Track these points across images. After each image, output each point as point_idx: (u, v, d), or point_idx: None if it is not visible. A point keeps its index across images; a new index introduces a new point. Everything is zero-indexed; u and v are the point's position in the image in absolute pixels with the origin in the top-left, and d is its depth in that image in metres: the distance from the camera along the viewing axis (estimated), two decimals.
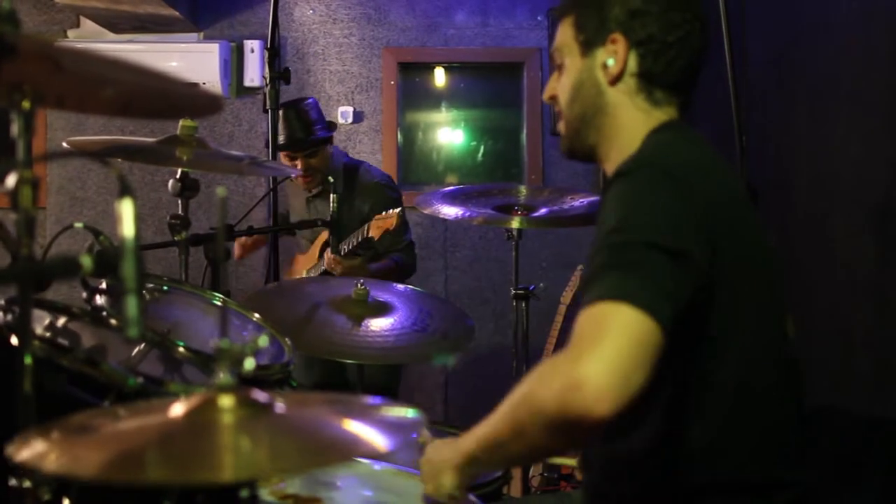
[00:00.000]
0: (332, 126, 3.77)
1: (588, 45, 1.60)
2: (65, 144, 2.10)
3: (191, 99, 1.23)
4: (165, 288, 2.11)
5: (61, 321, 1.72)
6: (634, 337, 1.22)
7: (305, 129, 3.60)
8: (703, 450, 1.42)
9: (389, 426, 1.02)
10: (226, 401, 0.94)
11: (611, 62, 1.57)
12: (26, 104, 1.07)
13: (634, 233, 1.33)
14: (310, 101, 3.76)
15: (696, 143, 1.57)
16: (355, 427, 0.99)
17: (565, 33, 1.64)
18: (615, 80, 1.58)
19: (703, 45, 1.59)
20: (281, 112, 3.41)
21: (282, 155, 3.56)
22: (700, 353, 1.40)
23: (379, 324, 2.24)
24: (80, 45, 4.53)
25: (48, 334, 1.63)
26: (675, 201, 1.38)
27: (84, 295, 1.82)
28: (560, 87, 1.66)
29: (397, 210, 3.18)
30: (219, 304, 2.06)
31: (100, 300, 1.81)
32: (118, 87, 1.17)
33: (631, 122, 1.59)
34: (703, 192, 1.41)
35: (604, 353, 1.21)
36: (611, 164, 1.61)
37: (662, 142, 1.55)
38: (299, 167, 3.60)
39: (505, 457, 1.46)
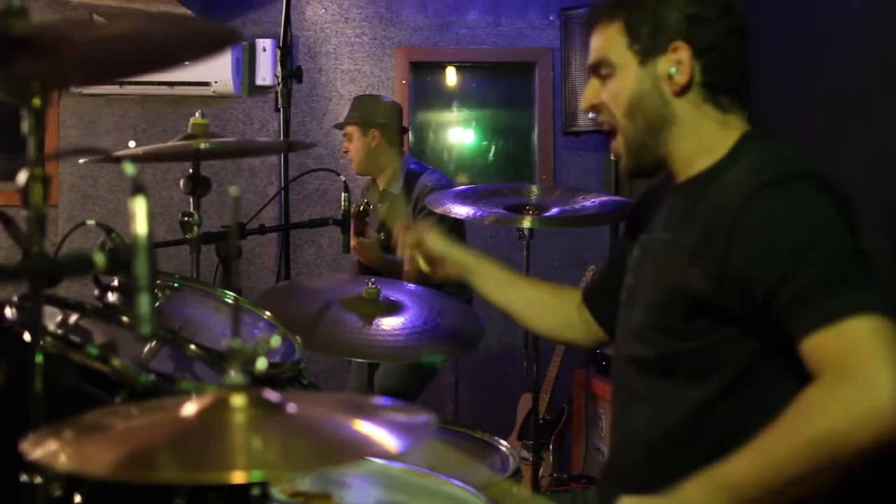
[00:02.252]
0: (372, 124, 3.88)
1: (646, 53, 1.54)
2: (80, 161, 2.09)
3: (204, 34, 1.21)
4: (176, 285, 2.11)
5: (73, 318, 1.72)
6: (893, 343, 1.24)
7: (355, 112, 3.91)
8: None
9: (401, 427, 1.02)
10: (238, 400, 0.94)
11: (674, 71, 1.52)
12: (37, 101, 1.06)
13: (831, 243, 1.33)
14: (390, 100, 4.08)
15: (800, 149, 1.53)
16: (367, 427, 0.98)
17: (614, 40, 1.57)
18: (683, 90, 1.53)
19: (747, 42, 1.57)
20: None
21: None
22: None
23: (390, 323, 2.23)
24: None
25: (60, 331, 1.63)
26: (839, 210, 1.38)
27: (96, 292, 1.82)
28: (611, 98, 1.59)
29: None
30: (230, 301, 2.06)
31: (112, 297, 1.81)
32: (131, 45, 1.15)
33: (706, 129, 1.55)
34: (843, 196, 1.41)
35: (886, 374, 1.21)
36: (688, 168, 1.58)
37: (780, 149, 1.51)
38: None
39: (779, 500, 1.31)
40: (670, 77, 1.53)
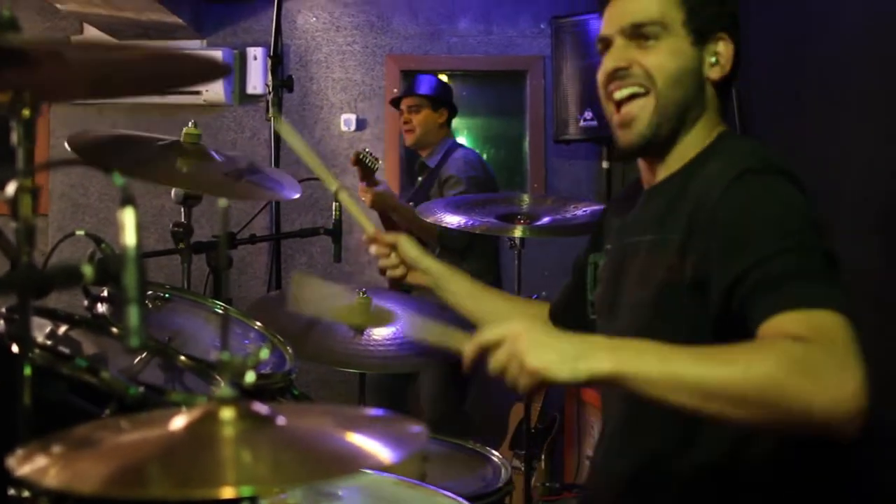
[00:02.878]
0: (444, 103, 4.08)
1: (701, 34, 1.54)
2: (66, 146, 2.08)
3: (194, 65, 1.21)
4: (167, 296, 2.10)
5: (62, 329, 1.71)
6: (858, 347, 1.22)
7: (431, 89, 4.06)
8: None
9: (392, 438, 1.01)
10: (227, 413, 0.93)
11: (718, 60, 1.55)
12: (26, 112, 1.06)
13: (806, 236, 1.34)
14: (441, 79, 4.23)
15: (774, 150, 1.55)
16: (357, 439, 0.97)
17: (670, 6, 1.54)
18: (722, 80, 1.58)
19: None
20: None
21: None
22: None
23: (381, 333, 2.22)
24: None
25: (49, 342, 1.63)
26: (810, 206, 1.39)
27: (85, 303, 1.82)
28: (655, 64, 1.53)
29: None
30: (220, 312, 2.05)
31: (101, 308, 1.81)
32: (121, 69, 1.15)
33: (710, 123, 1.59)
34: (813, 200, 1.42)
35: (858, 374, 1.18)
36: (675, 163, 1.59)
37: (757, 145, 1.54)
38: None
39: (680, 399, 1.21)
40: (712, 64, 1.56)
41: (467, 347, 1.34)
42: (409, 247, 1.88)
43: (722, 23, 1.55)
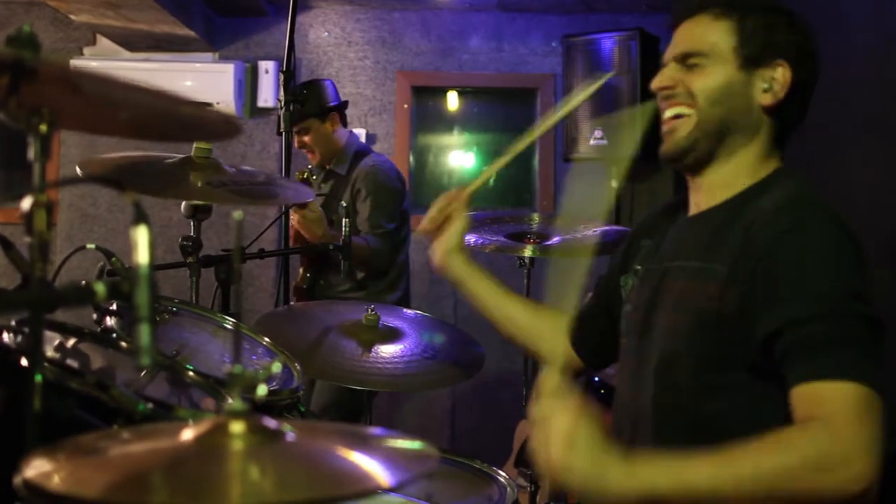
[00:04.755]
0: (330, 107, 3.79)
1: (750, 60, 1.55)
2: (78, 170, 2.09)
3: (208, 123, 1.23)
4: (175, 309, 2.10)
5: (71, 342, 1.71)
6: (880, 424, 1.28)
7: (310, 104, 3.67)
8: None
9: (399, 459, 1.01)
10: (236, 427, 0.93)
11: (772, 86, 1.55)
12: (44, 127, 1.06)
13: (854, 303, 1.37)
14: (322, 81, 3.88)
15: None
16: (365, 459, 0.97)
17: (719, 36, 1.57)
18: (775, 106, 1.56)
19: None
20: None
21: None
22: None
23: (389, 350, 2.23)
24: (96, 68, 4.56)
25: (58, 355, 1.63)
26: (864, 268, 1.41)
27: (94, 316, 1.82)
28: (700, 84, 1.58)
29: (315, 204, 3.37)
30: (229, 326, 2.05)
31: (110, 321, 1.81)
32: (135, 111, 1.17)
33: (759, 154, 1.59)
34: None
35: (873, 450, 1.25)
36: (720, 190, 1.59)
37: (812, 190, 1.53)
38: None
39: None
40: (765, 90, 1.56)
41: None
42: (457, 232, 1.89)
43: (779, 50, 1.55)
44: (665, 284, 1.61)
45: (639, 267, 1.71)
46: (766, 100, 1.56)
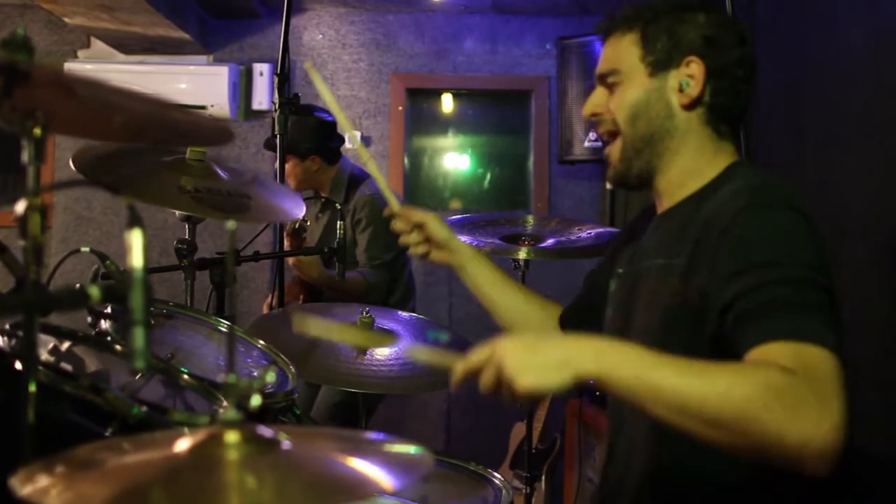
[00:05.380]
0: (308, 149, 3.67)
1: (658, 65, 1.57)
2: (71, 164, 2.09)
3: (201, 129, 1.22)
4: (169, 312, 2.10)
5: (65, 345, 1.71)
6: (843, 389, 1.21)
7: (294, 136, 3.49)
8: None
9: (395, 463, 1.01)
10: (231, 436, 0.93)
11: (687, 85, 1.55)
12: (38, 131, 1.06)
13: (808, 271, 1.33)
14: (313, 118, 3.71)
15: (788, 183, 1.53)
16: (361, 465, 0.97)
17: (627, 50, 1.60)
18: (692, 104, 1.56)
19: (753, 84, 1.61)
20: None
21: None
22: None
23: (383, 352, 2.22)
24: (91, 73, 4.55)
25: (52, 358, 1.62)
26: (819, 244, 1.39)
27: (89, 319, 1.81)
28: (616, 105, 1.61)
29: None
30: (224, 329, 2.05)
31: (105, 325, 1.80)
32: (128, 116, 1.17)
33: (701, 149, 1.59)
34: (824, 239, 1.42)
35: (837, 412, 1.18)
36: (677, 190, 1.60)
37: (769, 177, 1.52)
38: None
39: (657, 410, 1.23)
40: (681, 90, 1.56)
41: (457, 368, 1.34)
42: (439, 226, 1.90)
43: (685, 47, 1.55)
44: (639, 286, 1.62)
45: (620, 270, 1.73)
46: (684, 99, 1.56)
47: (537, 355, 1.27)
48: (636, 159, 1.60)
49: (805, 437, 1.16)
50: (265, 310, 3.82)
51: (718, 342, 1.38)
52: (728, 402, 1.19)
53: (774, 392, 1.18)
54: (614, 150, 1.63)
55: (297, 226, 3.31)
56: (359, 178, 3.80)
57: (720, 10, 1.62)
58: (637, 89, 1.59)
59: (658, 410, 1.23)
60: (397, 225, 1.92)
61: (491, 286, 1.92)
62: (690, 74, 1.55)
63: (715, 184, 1.56)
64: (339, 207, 2.66)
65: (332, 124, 3.75)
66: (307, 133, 3.66)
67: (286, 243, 3.34)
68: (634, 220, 1.84)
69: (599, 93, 1.65)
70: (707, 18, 1.57)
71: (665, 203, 1.64)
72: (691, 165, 1.59)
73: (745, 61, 1.57)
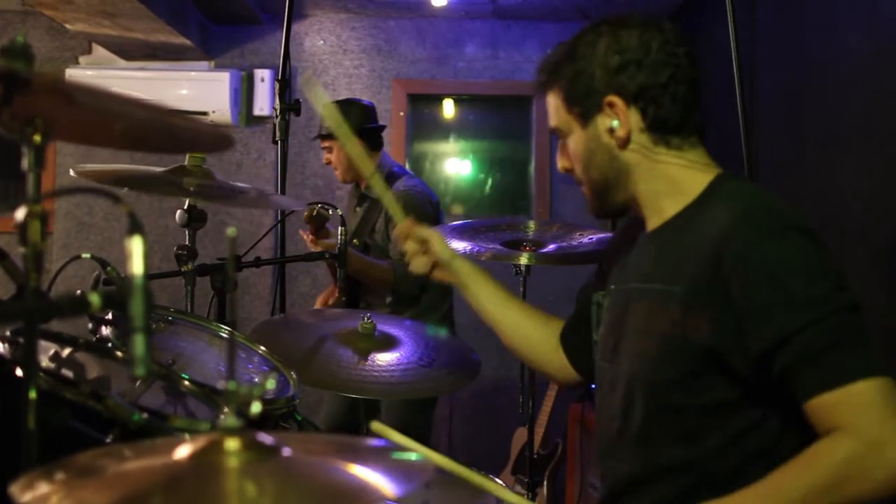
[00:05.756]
0: (356, 131, 3.71)
1: (584, 116, 1.56)
2: (72, 173, 2.10)
3: (201, 135, 1.23)
4: (171, 318, 2.10)
5: (66, 351, 1.71)
6: None
7: (323, 126, 3.75)
8: None
9: (397, 470, 1.00)
10: (232, 444, 0.93)
11: (615, 124, 1.53)
12: (38, 138, 1.06)
13: (831, 300, 1.36)
14: (355, 103, 3.82)
15: (776, 194, 1.52)
16: (362, 471, 0.97)
17: (556, 107, 1.61)
18: (625, 142, 1.54)
19: (694, 71, 1.54)
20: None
21: None
22: None
23: (385, 358, 2.22)
24: (91, 80, 4.55)
25: (53, 365, 1.62)
26: (831, 262, 1.40)
27: (90, 325, 1.81)
28: (570, 159, 1.64)
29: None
30: (225, 336, 2.05)
31: (106, 331, 1.80)
32: (129, 123, 1.17)
33: (666, 171, 1.55)
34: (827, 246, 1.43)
35: None
36: (661, 211, 1.57)
37: (766, 197, 1.49)
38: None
39: None
40: (612, 131, 1.54)
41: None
42: (441, 245, 1.90)
43: (600, 89, 1.53)
44: (630, 307, 1.59)
45: (612, 287, 1.70)
46: (618, 140, 1.54)
47: None
48: (607, 198, 1.62)
49: (883, 485, 1.28)
50: (319, 304, 3.84)
51: (756, 382, 1.41)
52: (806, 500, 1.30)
53: (836, 473, 1.30)
54: (587, 195, 1.66)
55: (314, 212, 3.34)
56: (396, 174, 3.84)
57: (618, 21, 1.56)
58: (578, 143, 1.59)
59: None
60: (406, 245, 1.91)
61: (493, 305, 1.92)
62: (615, 113, 1.53)
63: (702, 201, 1.52)
64: (339, 212, 2.65)
65: (372, 109, 3.84)
66: (347, 116, 3.70)
67: (307, 235, 3.41)
68: (621, 231, 1.81)
69: (560, 146, 1.66)
70: (607, 46, 1.53)
71: (652, 221, 1.60)
72: (665, 187, 1.56)
73: (658, 67, 1.51)
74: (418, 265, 1.91)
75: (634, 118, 1.53)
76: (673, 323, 1.45)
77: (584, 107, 1.55)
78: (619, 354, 1.59)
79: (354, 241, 3.74)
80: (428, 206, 3.71)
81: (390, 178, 3.79)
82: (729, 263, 1.39)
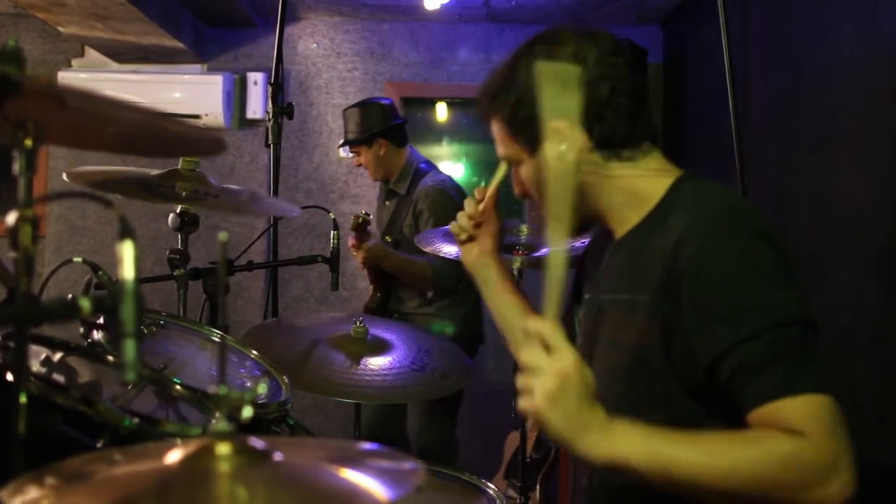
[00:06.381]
0: (374, 133, 3.83)
1: (530, 144, 1.51)
2: (65, 177, 2.09)
3: (193, 139, 1.22)
4: (162, 322, 2.09)
5: (57, 356, 1.70)
6: (845, 429, 1.25)
7: (354, 129, 3.83)
8: None
9: (388, 474, 1.00)
10: (223, 448, 0.92)
11: (563, 149, 1.43)
12: (29, 142, 1.06)
13: (790, 310, 1.30)
14: (371, 104, 3.91)
15: (737, 195, 1.49)
16: (354, 476, 0.97)
17: (501, 135, 1.57)
18: (589, 154, 1.48)
19: (636, 77, 1.49)
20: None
21: None
22: None
23: (377, 362, 2.22)
24: (84, 83, 4.54)
25: (44, 369, 1.62)
26: (791, 271, 1.35)
27: (81, 330, 1.81)
28: (526, 185, 1.58)
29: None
30: (216, 339, 2.04)
31: (97, 335, 1.80)
32: (121, 126, 1.17)
33: (622, 183, 1.51)
34: (789, 251, 1.38)
35: (845, 468, 1.22)
36: (625, 221, 1.54)
37: (727, 199, 1.44)
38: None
39: (669, 487, 1.26)
40: (563, 154, 1.44)
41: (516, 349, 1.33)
42: (498, 238, 1.88)
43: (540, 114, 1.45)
44: (601, 318, 1.56)
45: (587, 296, 1.67)
46: (569, 161, 1.45)
47: (574, 411, 1.26)
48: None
49: (816, 500, 1.21)
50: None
51: (702, 393, 1.36)
52: (735, 479, 1.23)
53: (781, 464, 1.22)
54: (544, 217, 1.58)
55: (360, 220, 3.42)
56: (424, 171, 3.90)
57: (551, 38, 1.51)
58: (528, 170, 1.55)
59: (671, 488, 1.26)
60: (469, 206, 1.86)
61: (492, 288, 1.87)
62: (561, 139, 1.42)
63: (664, 206, 1.48)
64: (332, 216, 2.65)
65: (392, 105, 3.92)
66: (369, 118, 3.84)
67: (350, 240, 3.49)
68: (594, 240, 1.77)
69: (514, 172, 1.62)
70: (549, 72, 1.42)
71: (618, 230, 1.57)
72: (625, 199, 1.52)
73: (600, 80, 1.46)
74: (461, 233, 1.87)
75: (581, 139, 1.46)
76: (641, 333, 1.42)
77: (529, 136, 1.50)
78: (592, 366, 1.56)
79: (387, 237, 3.81)
80: (459, 201, 3.71)
81: (418, 174, 3.87)
82: (680, 268, 1.36)
